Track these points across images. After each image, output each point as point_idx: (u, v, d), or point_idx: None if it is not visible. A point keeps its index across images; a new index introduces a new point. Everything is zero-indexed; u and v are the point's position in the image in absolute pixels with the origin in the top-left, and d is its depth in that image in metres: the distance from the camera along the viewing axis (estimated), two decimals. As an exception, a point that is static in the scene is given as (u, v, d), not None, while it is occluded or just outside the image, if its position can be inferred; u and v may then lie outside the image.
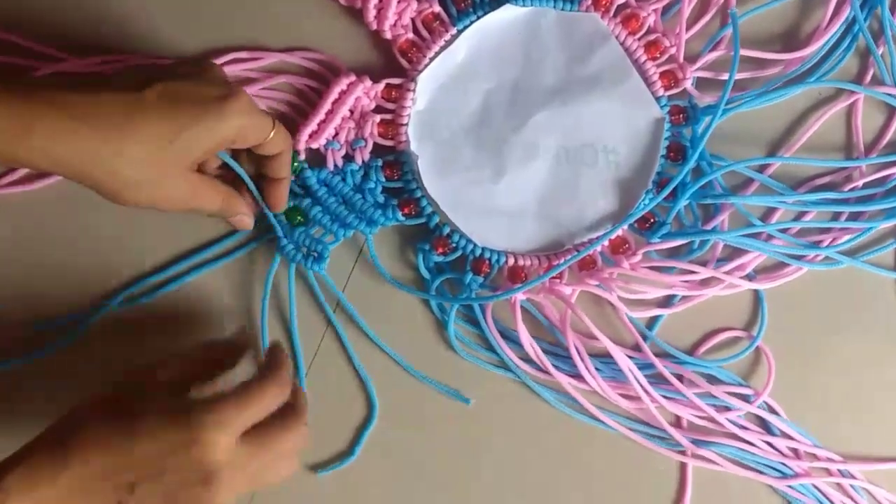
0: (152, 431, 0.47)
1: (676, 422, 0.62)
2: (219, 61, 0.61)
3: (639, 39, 0.62)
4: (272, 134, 0.54)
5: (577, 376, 0.61)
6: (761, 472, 0.62)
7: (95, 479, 0.46)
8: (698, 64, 0.62)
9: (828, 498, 0.62)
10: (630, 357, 0.61)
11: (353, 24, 0.63)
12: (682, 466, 0.62)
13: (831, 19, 0.63)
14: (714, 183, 0.62)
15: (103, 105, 0.49)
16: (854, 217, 0.62)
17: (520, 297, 0.61)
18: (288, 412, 0.51)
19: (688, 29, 0.62)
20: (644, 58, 0.62)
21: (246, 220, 0.59)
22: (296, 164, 0.61)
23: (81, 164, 0.49)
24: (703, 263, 0.61)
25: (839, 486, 0.62)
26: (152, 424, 0.47)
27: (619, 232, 0.61)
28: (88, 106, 0.48)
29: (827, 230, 0.63)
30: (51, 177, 0.61)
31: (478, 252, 0.61)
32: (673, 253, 0.62)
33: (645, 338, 0.61)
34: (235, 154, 0.57)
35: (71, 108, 0.48)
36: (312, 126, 0.61)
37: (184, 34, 0.62)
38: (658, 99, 0.62)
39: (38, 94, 0.48)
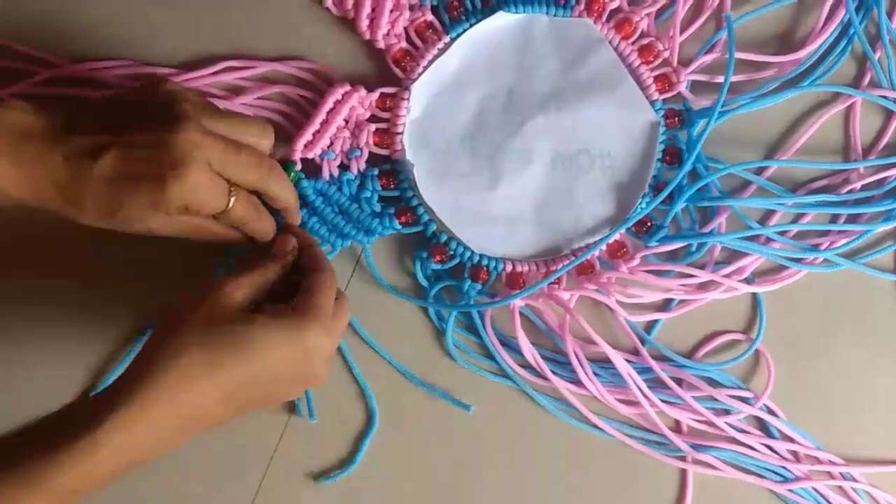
0: (269, 357, 0.49)
1: (676, 426, 0.62)
2: (212, 69, 0.62)
3: (632, 44, 0.62)
4: (232, 202, 0.52)
5: (577, 382, 0.61)
6: (762, 476, 0.61)
7: (211, 412, 0.49)
8: (692, 67, 0.62)
9: (828, 501, 0.62)
10: (629, 361, 0.61)
11: (346, 33, 0.63)
12: (683, 471, 0.62)
13: (826, 21, 0.63)
14: (711, 186, 0.62)
15: (57, 170, 0.49)
16: (852, 219, 0.62)
17: (518, 303, 0.61)
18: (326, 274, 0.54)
19: (681, 32, 0.62)
20: (638, 62, 0.62)
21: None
22: (292, 174, 0.61)
23: (55, 212, 0.51)
24: (702, 267, 0.61)
25: (840, 489, 0.62)
26: (265, 351, 0.49)
27: (617, 236, 0.61)
28: (46, 166, 0.49)
29: (825, 233, 0.63)
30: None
31: (475, 259, 0.61)
32: (671, 256, 0.62)
33: (643, 342, 0.61)
34: None
35: (33, 167, 0.49)
36: (307, 136, 0.61)
37: (178, 42, 0.63)
38: (653, 103, 0.62)
39: (3, 149, 0.49)
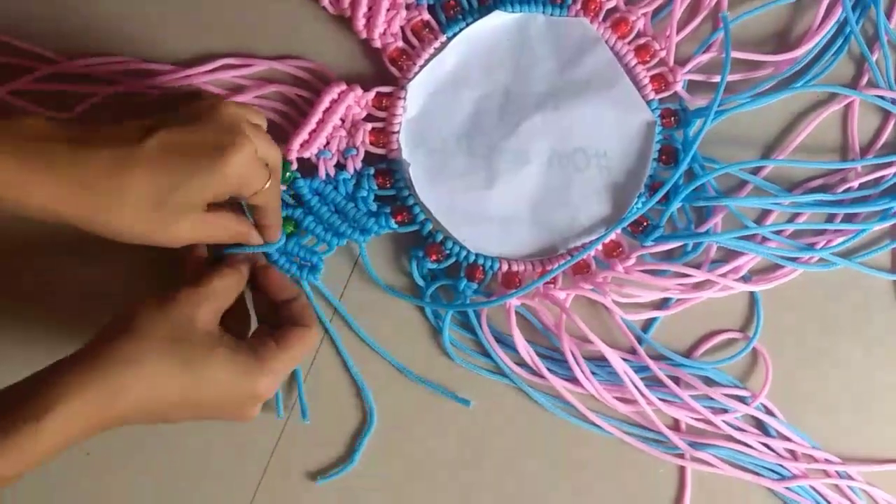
0: (218, 388, 0.50)
1: (674, 424, 0.62)
2: (209, 67, 0.62)
3: (629, 43, 0.62)
4: (268, 184, 0.52)
5: (573, 380, 0.61)
6: (759, 475, 0.61)
7: (147, 412, 0.49)
8: (689, 67, 0.62)
9: (826, 499, 0.62)
10: (626, 360, 0.61)
11: (342, 32, 0.63)
12: (681, 469, 0.62)
13: (823, 20, 0.63)
14: (707, 185, 0.62)
15: (93, 166, 0.47)
16: (849, 219, 0.62)
17: (514, 302, 0.61)
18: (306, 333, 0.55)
19: (678, 32, 0.62)
20: (634, 62, 0.62)
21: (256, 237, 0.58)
22: (288, 174, 0.61)
23: (83, 222, 0.48)
24: (698, 266, 0.61)
25: (837, 488, 0.62)
26: (218, 383, 0.50)
27: (613, 235, 0.61)
28: (79, 167, 0.47)
29: (821, 232, 0.63)
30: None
31: (471, 258, 0.61)
32: (667, 256, 0.62)
33: (640, 340, 0.61)
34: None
35: (65, 169, 0.47)
36: (303, 135, 0.61)
37: (176, 39, 0.63)
38: (649, 102, 0.62)
39: (31, 157, 0.46)
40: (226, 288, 0.53)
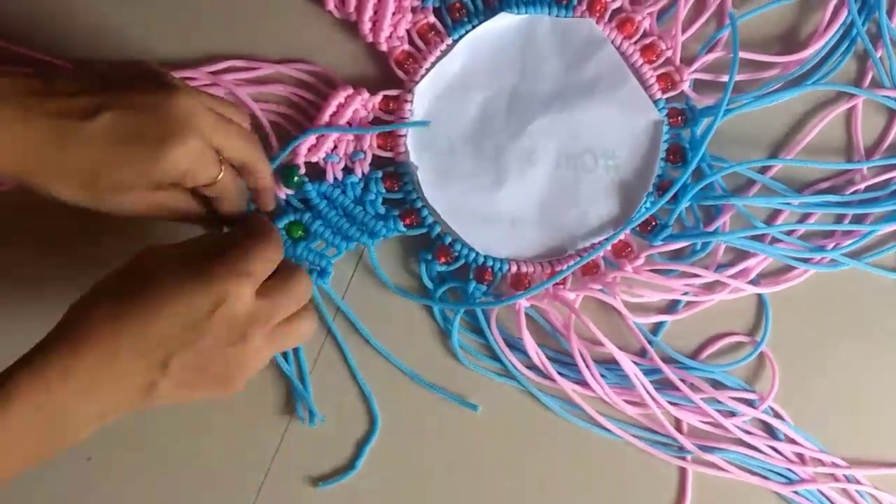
0: (174, 300, 0.46)
1: (677, 426, 0.62)
2: (215, 69, 0.62)
3: (635, 43, 0.62)
4: (220, 176, 0.52)
5: (582, 383, 0.61)
6: (767, 478, 0.61)
7: (121, 364, 0.45)
8: (695, 66, 0.62)
9: (833, 503, 0.62)
10: (635, 363, 0.61)
11: (348, 36, 0.63)
12: (682, 471, 0.62)
13: (829, 22, 0.63)
14: (715, 185, 0.62)
15: (40, 134, 0.47)
16: (857, 220, 0.62)
17: (524, 303, 0.61)
18: (286, 263, 0.51)
19: (683, 31, 0.62)
20: (640, 61, 0.62)
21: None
22: (296, 178, 0.61)
23: (27, 183, 0.48)
24: (706, 268, 0.61)
25: (844, 492, 0.62)
26: (172, 294, 0.46)
27: (622, 236, 0.61)
28: (28, 131, 0.47)
29: (829, 234, 0.63)
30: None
31: (480, 260, 0.61)
32: (675, 255, 0.62)
33: (649, 343, 0.61)
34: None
35: (13, 131, 0.47)
36: (311, 139, 0.61)
37: (181, 42, 0.63)
38: (656, 102, 0.62)
39: None
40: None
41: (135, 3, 0.63)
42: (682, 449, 0.61)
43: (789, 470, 0.62)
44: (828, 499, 0.62)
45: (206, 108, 0.50)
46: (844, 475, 0.62)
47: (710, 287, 0.62)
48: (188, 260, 0.48)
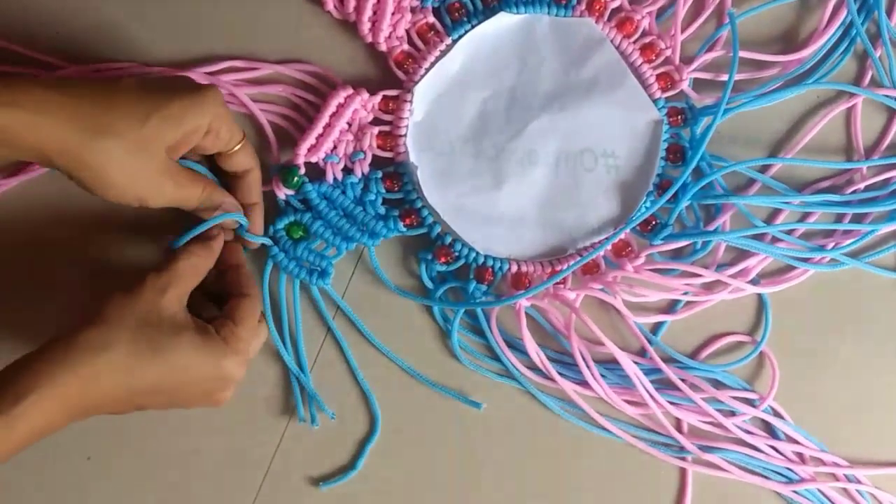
0: (185, 371, 0.51)
1: (677, 426, 0.62)
2: (214, 69, 0.62)
3: (634, 42, 0.62)
4: (240, 145, 0.56)
5: (582, 383, 0.61)
6: (767, 478, 0.61)
7: (115, 399, 0.50)
8: (694, 65, 0.62)
9: (833, 503, 0.62)
10: (635, 362, 0.61)
11: (347, 36, 0.63)
12: (682, 471, 0.62)
13: (829, 21, 0.63)
14: (715, 184, 0.62)
15: (82, 86, 0.51)
16: (857, 219, 0.62)
17: (524, 303, 0.61)
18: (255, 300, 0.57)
19: (683, 31, 0.62)
20: (640, 61, 0.62)
21: (233, 210, 0.58)
22: (296, 178, 0.61)
23: (65, 139, 0.50)
24: (706, 267, 0.61)
25: (845, 491, 0.62)
26: (185, 365, 0.51)
27: (622, 235, 0.61)
28: (67, 87, 0.51)
29: (829, 233, 0.63)
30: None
31: (480, 260, 0.61)
32: (675, 255, 0.62)
33: (649, 343, 0.61)
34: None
35: (52, 86, 0.50)
36: (311, 140, 0.61)
37: (181, 43, 0.63)
38: (655, 101, 0.62)
39: (20, 76, 0.51)
40: (192, 267, 0.54)
41: (135, 3, 0.63)
42: (682, 449, 0.61)
43: (789, 469, 0.62)
44: (828, 498, 0.62)
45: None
46: (845, 475, 0.62)
47: (710, 287, 0.62)
48: (202, 331, 0.53)
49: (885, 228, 0.62)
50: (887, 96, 0.62)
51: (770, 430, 0.62)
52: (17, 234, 0.62)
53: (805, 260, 0.62)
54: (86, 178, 0.51)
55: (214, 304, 0.57)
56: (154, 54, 0.62)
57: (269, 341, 0.61)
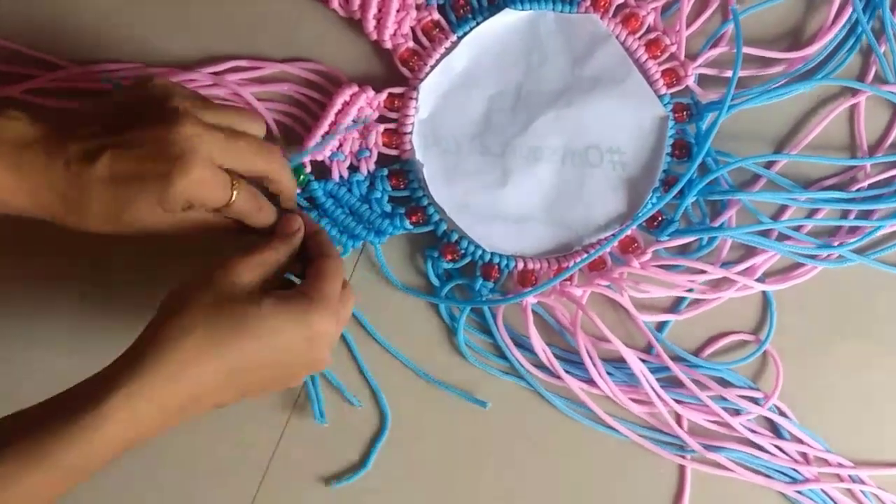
0: (274, 341, 0.49)
1: (678, 424, 0.62)
2: (218, 68, 0.62)
3: (639, 38, 0.62)
4: (235, 196, 0.52)
5: (588, 381, 0.61)
6: (771, 478, 0.61)
7: (210, 398, 0.49)
8: (700, 61, 0.62)
9: (836, 503, 0.62)
10: (642, 360, 0.61)
11: (353, 34, 0.63)
12: (682, 469, 0.62)
13: (834, 19, 0.63)
14: (721, 180, 0.62)
15: (60, 178, 0.49)
16: (863, 216, 0.62)
17: (531, 300, 0.61)
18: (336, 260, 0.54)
19: (688, 26, 0.62)
20: (645, 57, 0.62)
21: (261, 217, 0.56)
22: (302, 176, 0.61)
23: (57, 222, 0.51)
24: (712, 264, 0.61)
25: (849, 492, 0.62)
26: (272, 334, 0.49)
27: (628, 231, 0.61)
28: (50, 177, 0.49)
29: (834, 231, 0.63)
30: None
31: (487, 257, 0.61)
32: (682, 251, 0.62)
33: (656, 340, 0.61)
34: None
35: (38, 178, 0.49)
36: (317, 138, 0.61)
37: (185, 42, 0.63)
38: (661, 97, 0.62)
39: (10, 166, 0.49)
40: (274, 259, 0.52)
41: (138, 3, 0.63)
42: (682, 447, 0.61)
43: (794, 469, 0.61)
44: (831, 499, 0.61)
45: (211, 130, 0.50)
46: (849, 475, 0.62)
47: (716, 284, 0.61)
48: (282, 295, 0.50)
49: (892, 226, 0.62)
50: (892, 92, 0.62)
51: (774, 430, 0.62)
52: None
53: (812, 257, 0.62)
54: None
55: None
56: (158, 53, 0.62)
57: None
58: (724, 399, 0.61)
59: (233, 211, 0.52)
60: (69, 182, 0.49)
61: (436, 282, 0.62)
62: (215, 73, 0.62)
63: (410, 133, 0.62)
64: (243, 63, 0.62)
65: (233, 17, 0.63)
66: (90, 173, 0.48)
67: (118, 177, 0.49)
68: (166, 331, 0.47)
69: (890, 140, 0.64)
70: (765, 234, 0.61)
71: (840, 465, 0.62)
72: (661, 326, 0.63)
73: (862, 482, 0.62)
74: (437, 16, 0.62)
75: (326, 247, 0.55)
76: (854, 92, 0.63)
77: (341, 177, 0.62)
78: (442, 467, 0.62)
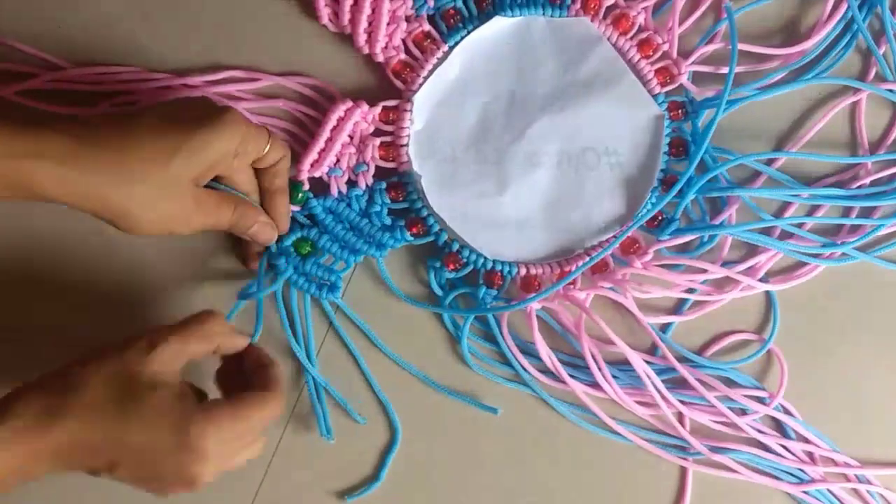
0: (151, 427, 0.48)
1: (681, 423, 0.62)
2: (215, 77, 0.62)
3: (631, 39, 0.62)
4: (269, 145, 0.55)
5: (594, 385, 0.61)
6: (778, 478, 0.61)
7: (83, 446, 0.48)
8: (693, 58, 0.62)
9: (841, 502, 0.62)
10: (646, 361, 0.61)
11: (345, 48, 0.63)
12: (683, 471, 0.62)
13: (830, 14, 0.63)
14: (720, 177, 0.62)
15: (103, 129, 0.50)
16: (865, 214, 0.62)
17: (535, 306, 0.61)
18: (265, 398, 0.52)
19: (680, 25, 0.62)
20: (637, 57, 0.62)
21: (267, 229, 0.58)
22: (300, 194, 0.61)
23: (92, 186, 0.49)
24: (713, 262, 0.61)
25: (854, 492, 0.62)
26: (152, 420, 0.48)
27: (630, 232, 0.61)
28: (89, 134, 0.50)
29: (836, 230, 0.62)
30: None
31: (489, 265, 0.61)
32: (682, 249, 0.62)
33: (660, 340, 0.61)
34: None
35: (75, 133, 0.50)
36: (313, 155, 0.61)
37: (182, 50, 0.62)
38: (655, 96, 0.62)
39: (44, 123, 0.49)
40: (191, 351, 0.52)
41: (136, 12, 0.63)
42: (685, 449, 0.61)
43: (800, 470, 0.61)
44: (838, 499, 0.61)
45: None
46: (856, 475, 0.61)
47: (720, 285, 0.61)
48: (177, 396, 0.50)
49: (894, 224, 0.62)
50: (891, 91, 0.62)
51: (781, 430, 0.62)
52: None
53: (815, 255, 0.61)
54: (113, 219, 0.51)
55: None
56: (157, 61, 0.62)
57: (279, 343, 0.61)
58: (729, 399, 0.61)
59: (267, 157, 0.56)
60: (108, 143, 0.50)
61: (439, 292, 0.62)
62: (211, 83, 0.62)
63: (407, 145, 0.62)
64: (239, 74, 0.62)
65: (224, 32, 0.63)
66: (137, 121, 0.51)
67: (168, 118, 0.51)
68: (64, 379, 0.49)
69: (891, 138, 0.64)
70: (766, 232, 0.61)
71: (847, 465, 0.62)
72: (664, 328, 0.63)
73: (868, 482, 0.62)
74: (427, 26, 0.62)
75: (262, 384, 0.53)
76: (855, 89, 0.63)
77: (340, 192, 0.62)
78: (450, 475, 0.62)
